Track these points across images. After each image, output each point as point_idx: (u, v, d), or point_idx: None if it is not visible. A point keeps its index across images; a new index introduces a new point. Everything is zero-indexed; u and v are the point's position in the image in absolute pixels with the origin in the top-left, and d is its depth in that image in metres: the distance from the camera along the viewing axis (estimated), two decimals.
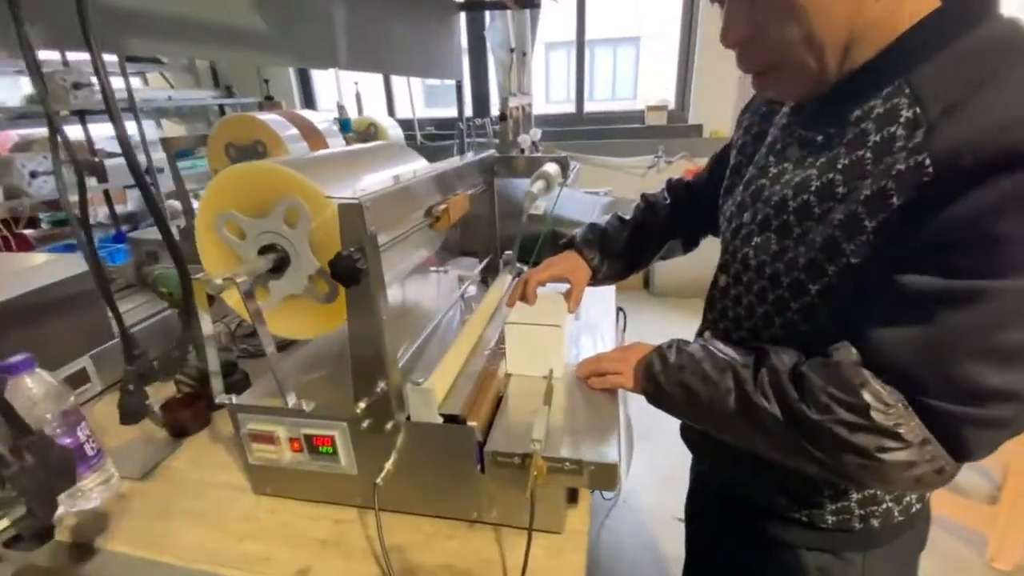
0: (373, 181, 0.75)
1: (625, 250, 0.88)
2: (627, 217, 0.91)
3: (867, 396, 0.44)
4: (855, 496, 0.61)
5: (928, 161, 0.43)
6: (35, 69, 0.54)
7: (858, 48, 0.48)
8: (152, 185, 2.51)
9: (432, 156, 1.05)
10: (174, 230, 1.46)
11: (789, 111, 0.62)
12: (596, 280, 0.88)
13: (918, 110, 0.45)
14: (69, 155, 0.59)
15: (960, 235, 0.42)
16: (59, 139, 0.59)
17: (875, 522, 0.62)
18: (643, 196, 0.94)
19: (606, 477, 0.58)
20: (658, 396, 0.63)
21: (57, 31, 0.68)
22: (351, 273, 0.54)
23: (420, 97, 3.63)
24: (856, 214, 0.48)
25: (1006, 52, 0.43)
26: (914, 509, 0.64)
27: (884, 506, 0.61)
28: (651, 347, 0.66)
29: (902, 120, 0.46)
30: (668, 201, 0.91)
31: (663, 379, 0.61)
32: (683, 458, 0.83)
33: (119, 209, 2.55)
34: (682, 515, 0.93)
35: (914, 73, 0.46)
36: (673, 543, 1.66)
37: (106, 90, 0.55)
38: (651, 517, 1.75)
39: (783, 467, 0.61)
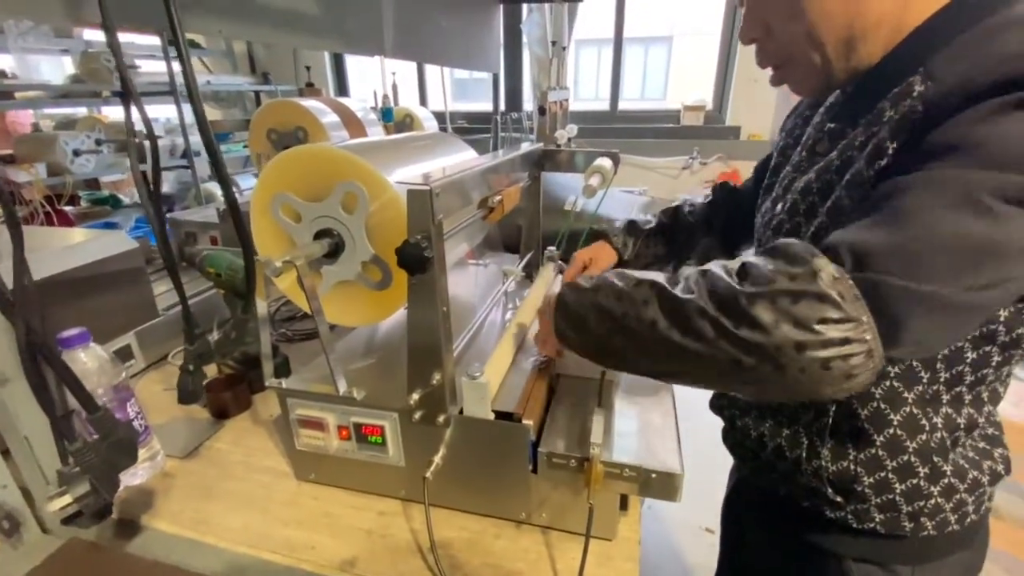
0: (428, 169, 0.73)
1: (654, 232, 0.90)
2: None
3: (817, 262, 0.41)
4: (899, 487, 0.57)
5: (920, 106, 0.46)
6: (117, 48, 0.53)
7: (863, 46, 0.51)
8: (190, 167, 2.56)
9: None
10: (213, 212, 1.47)
11: (824, 110, 0.64)
12: (624, 262, 0.90)
13: (929, 83, 0.47)
14: (147, 131, 0.59)
15: (940, 143, 0.42)
16: (136, 117, 0.59)
17: (929, 525, 0.58)
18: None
19: (668, 487, 0.56)
20: (565, 328, 0.56)
21: (128, 8, 0.67)
22: (418, 261, 0.52)
23: (449, 90, 3.63)
24: (859, 171, 0.50)
25: (1018, 19, 0.44)
26: (970, 520, 0.60)
27: (933, 502, 0.58)
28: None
29: (915, 93, 0.48)
30: (708, 198, 0.94)
31: (573, 303, 0.54)
32: (711, 467, 0.79)
33: None
34: (708, 524, 0.91)
35: (932, 60, 0.47)
36: (699, 552, 1.62)
37: (188, 73, 0.54)
38: (676, 526, 1.72)
39: (822, 455, 0.60)
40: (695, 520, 1.69)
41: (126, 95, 0.55)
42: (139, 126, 0.68)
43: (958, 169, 0.40)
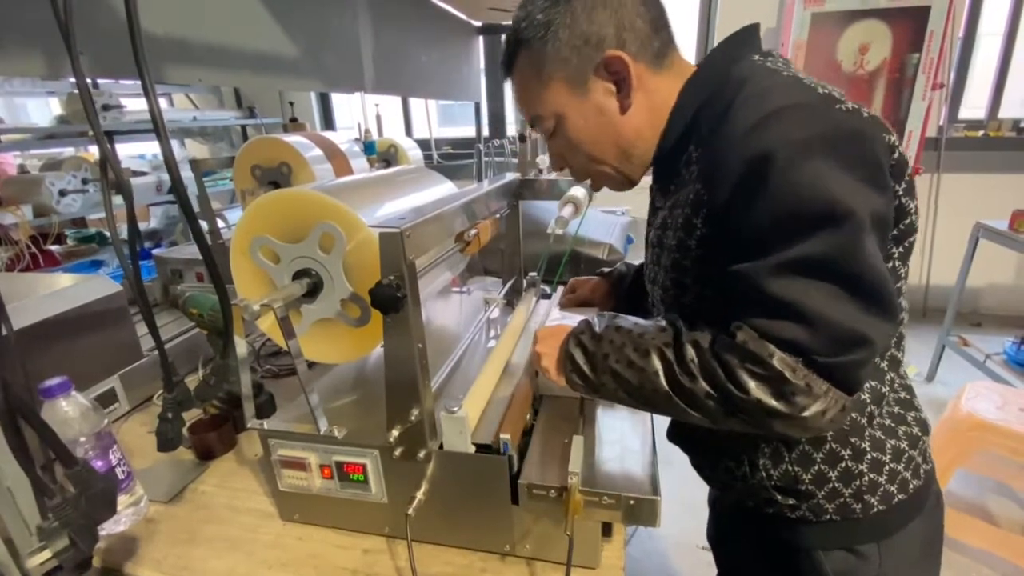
0: (406, 206, 0.75)
1: (634, 280, 0.95)
2: None
3: (778, 365, 0.48)
4: (833, 475, 0.61)
5: (701, 187, 0.56)
6: (88, 97, 0.55)
7: (637, 150, 0.64)
8: (178, 203, 2.57)
9: (450, 175, 1.06)
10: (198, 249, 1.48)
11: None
12: (621, 295, 0.95)
13: (695, 151, 0.58)
14: (116, 177, 0.61)
15: (758, 225, 0.50)
16: (105, 161, 0.61)
17: (874, 501, 0.61)
18: None
19: (647, 513, 0.57)
20: (588, 387, 0.61)
21: (104, 60, 0.70)
22: (391, 301, 0.54)
23: (435, 116, 3.68)
24: (682, 240, 0.59)
25: (735, 86, 0.55)
26: (913, 486, 0.63)
27: (867, 478, 0.61)
28: (568, 331, 0.64)
29: (693, 159, 0.59)
30: None
31: (589, 370, 0.60)
32: (703, 484, 0.81)
33: (142, 226, 2.60)
34: (704, 543, 0.92)
35: (696, 129, 0.59)
36: (697, 571, 1.61)
37: (156, 115, 0.56)
38: (673, 545, 1.71)
39: (763, 465, 0.64)
40: (690, 539, 1.68)
41: (100, 144, 0.57)
42: (125, 163, 0.69)
43: (797, 246, 0.48)
